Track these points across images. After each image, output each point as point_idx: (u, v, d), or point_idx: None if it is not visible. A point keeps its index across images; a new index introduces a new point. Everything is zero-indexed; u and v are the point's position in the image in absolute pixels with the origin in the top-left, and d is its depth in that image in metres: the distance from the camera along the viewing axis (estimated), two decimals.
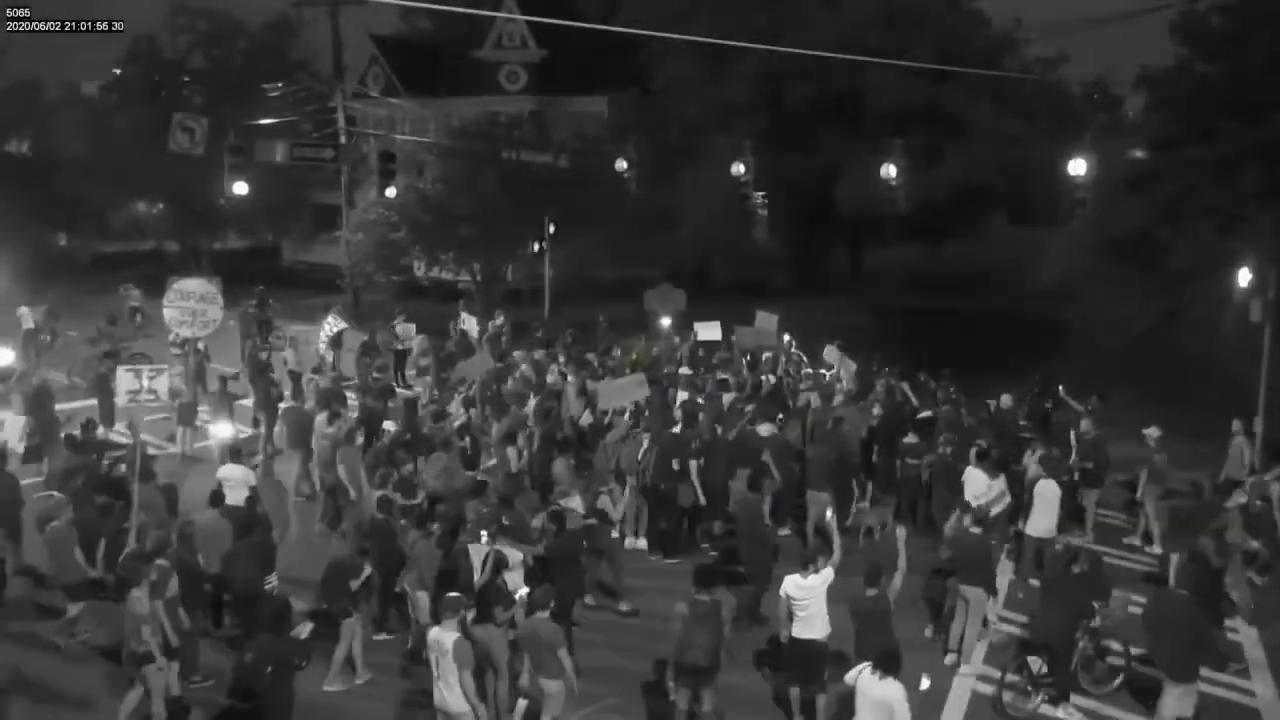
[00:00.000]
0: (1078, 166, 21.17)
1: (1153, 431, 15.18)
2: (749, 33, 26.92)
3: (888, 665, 8.38)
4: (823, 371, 20.36)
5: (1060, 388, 17.67)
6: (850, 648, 9.98)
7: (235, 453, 13.94)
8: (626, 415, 15.79)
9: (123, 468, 13.84)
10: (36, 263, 34.41)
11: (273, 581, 11.46)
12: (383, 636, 11.93)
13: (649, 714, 10.61)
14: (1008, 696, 10.77)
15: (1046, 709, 10.73)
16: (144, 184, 36.88)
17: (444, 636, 8.89)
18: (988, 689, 10.98)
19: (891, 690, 8.26)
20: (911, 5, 35.32)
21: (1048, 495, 13.28)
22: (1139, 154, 27.84)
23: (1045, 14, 39.22)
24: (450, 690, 8.83)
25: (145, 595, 9.75)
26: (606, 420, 15.97)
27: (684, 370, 19.90)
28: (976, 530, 11.58)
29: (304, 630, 9.56)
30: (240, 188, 28.08)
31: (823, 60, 27.18)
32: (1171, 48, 25.47)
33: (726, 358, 21.76)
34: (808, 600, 9.90)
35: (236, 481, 13.13)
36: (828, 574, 10.02)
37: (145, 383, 12.67)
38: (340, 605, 10.81)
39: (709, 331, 22.67)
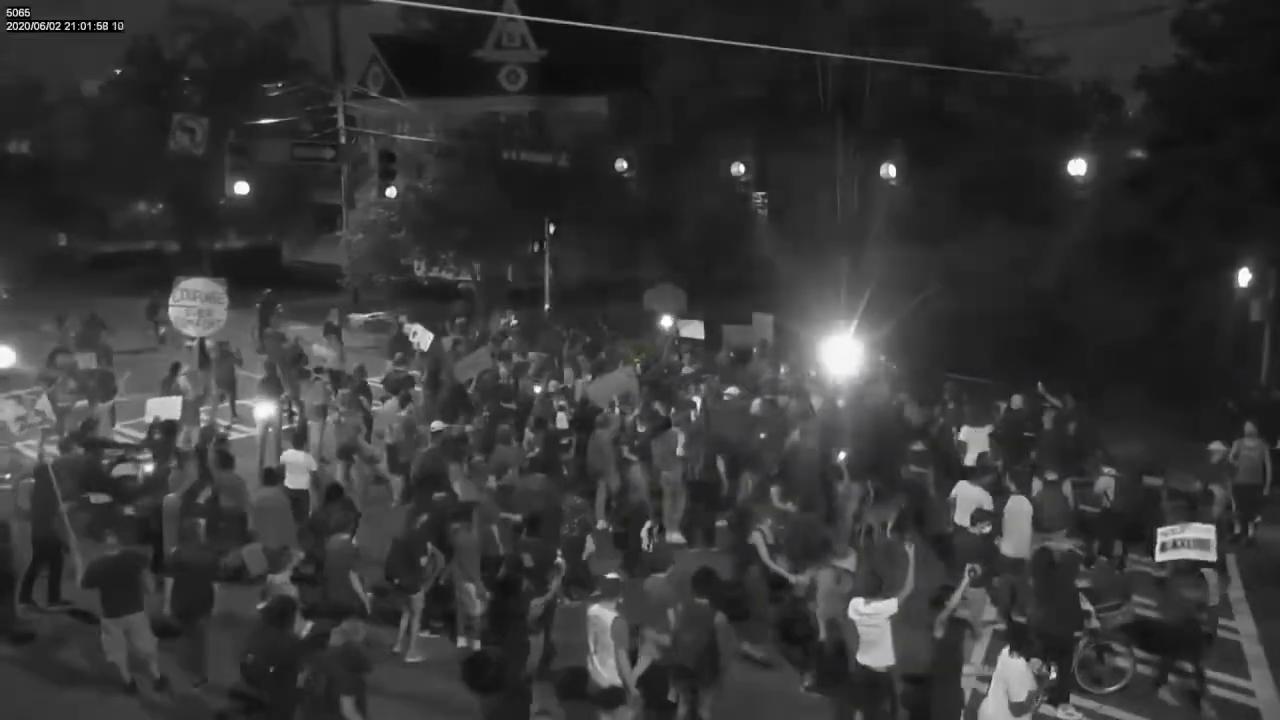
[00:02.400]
0: (1078, 166, 21.16)
1: (1217, 447, 14.90)
2: (749, 33, 26.90)
3: (1019, 644, 8.96)
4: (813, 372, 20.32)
5: (1040, 385, 17.56)
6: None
7: (299, 438, 14.69)
8: (616, 411, 15.84)
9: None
10: (36, 263, 34.46)
11: (354, 544, 11.82)
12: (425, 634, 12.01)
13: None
14: None
15: (1046, 709, 10.71)
16: (144, 184, 36.89)
17: (603, 614, 9.52)
18: (987, 689, 10.94)
19: (1014, 666, 8.79)
20: (911, 5, 35.31)
21: (1020, 513, 12.73)
22: (1139, 154, 27.82)
23: (1045, 14, 39.26)
24: (604, 665, 9.48)
25: (287, 579, 10.40)
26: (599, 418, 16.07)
27: (685, 370, 19.94)
28: (975, 530, 11.58)
29: (305, 628, 9.57)
30: (241, 187, 28.11)
31: (823, 60, 27.18)
32: (1171, 48, 25.49)
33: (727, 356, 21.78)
34: (869, 626, 9.75)
35: (299, 466, 13.84)
36: (890, 604, 9.77)
37: (29, 407, 13.47)
38: (408, 580, 11.29)
39: (690, 329, 22.72)
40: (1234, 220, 21.30)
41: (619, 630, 9.38)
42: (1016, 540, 12.68)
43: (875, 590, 9.86)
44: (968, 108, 34.25)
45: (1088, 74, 46.42)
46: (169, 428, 14.92)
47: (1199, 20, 24.75)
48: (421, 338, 21.07)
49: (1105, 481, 14.01)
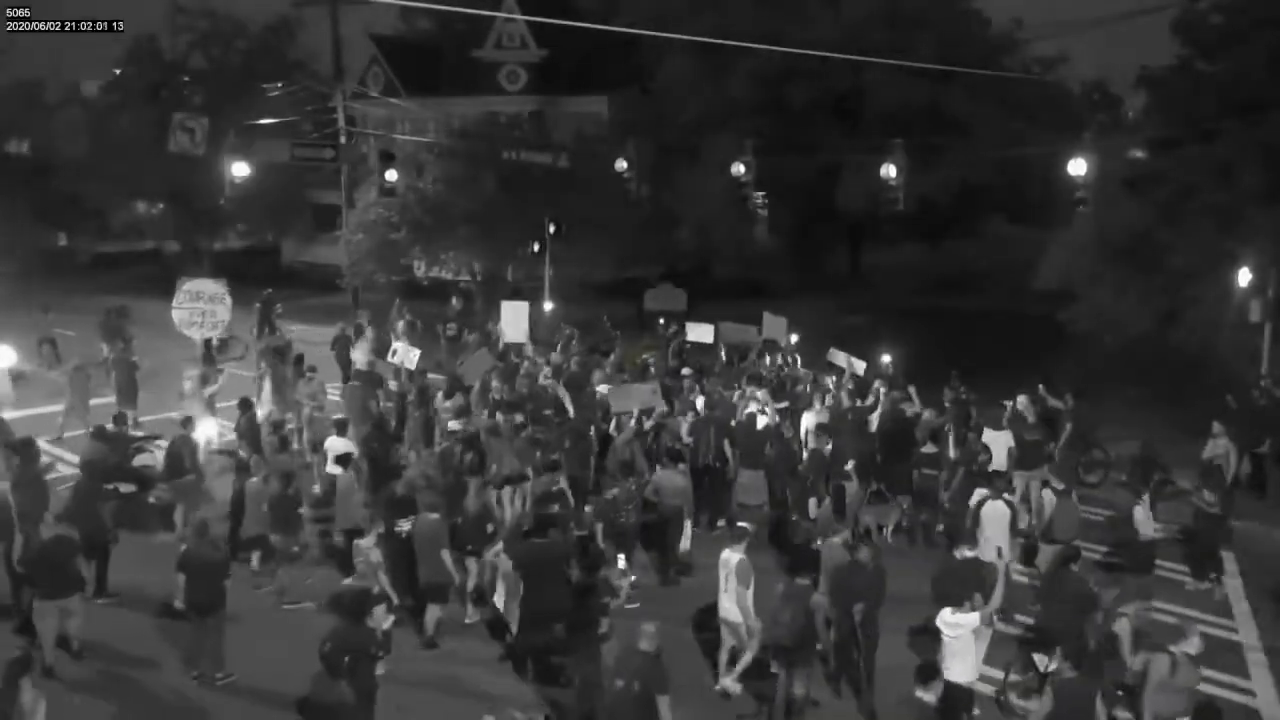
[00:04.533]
0: (1078, 166, 21.07)
1: None
2: (749, 32, 26.92)
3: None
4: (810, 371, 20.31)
5: (1040, 386, 17.47)
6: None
7: (342, 426, 15.48)
8: (633, 420, 15.85)
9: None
10: (36, 263, 34.46)
11: (405, 526, 12.30)
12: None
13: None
14: (1011, 696, 10.77)
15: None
16: (144, 184, 36.90)
17: (732, 557, 10.80)
18: (988, 689, 10.95)
19: None
20: (912, 5, 35.32)
21: (996, 517, 12.52)
22: (1139, 154, 27.80)
23: (1045, 14, 39.27)
24: (731, 601, 10.67)
25: (373, 544, 11.52)
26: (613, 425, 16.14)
27: (685, 370, 19.91)
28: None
29: (386, 622, 9.92)
30: (240, 169, 27.98)
31: (823, 60, 27.18)
32: (1172, 48, 25.49)
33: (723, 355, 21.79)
34: (953, 636, 9.69)
35: (340, 453, 14.48)
36: (974, 617, 9.73)
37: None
38: (479, 548, 12.31)
39: (699, 333, 22.64)
40: (1234, 220, 21.27)
41: (743, 570, 10.57)
42: (993, 546, 12.34)
43: (956, 600, 9.75)
44: (968, 108, 34.27)
45: (1088, 74, 46.65)
46: (246, 403, 16.14)
47: (1199, 20, 24.71)
48: (403, 355, 19.34)
49: (1142, 512, 13.66)
